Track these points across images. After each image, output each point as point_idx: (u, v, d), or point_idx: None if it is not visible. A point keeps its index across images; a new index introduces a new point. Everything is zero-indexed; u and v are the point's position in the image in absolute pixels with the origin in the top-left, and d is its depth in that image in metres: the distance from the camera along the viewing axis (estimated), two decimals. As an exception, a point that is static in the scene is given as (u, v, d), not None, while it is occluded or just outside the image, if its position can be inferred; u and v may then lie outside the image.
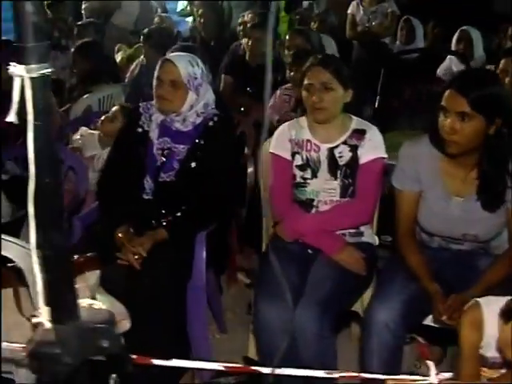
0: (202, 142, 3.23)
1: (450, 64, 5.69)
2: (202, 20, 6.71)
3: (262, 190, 3.41)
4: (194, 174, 3.21)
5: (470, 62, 5.48)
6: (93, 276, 2.28)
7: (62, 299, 1.12)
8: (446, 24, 6.64)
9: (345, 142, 3.18)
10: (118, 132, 3.44)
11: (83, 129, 4.33)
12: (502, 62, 4.41)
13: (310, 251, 3.11)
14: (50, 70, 1.02)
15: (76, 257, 2.24)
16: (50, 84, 1.04)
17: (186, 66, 3.19)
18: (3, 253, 2.04)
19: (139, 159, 3.26)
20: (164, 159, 3.24)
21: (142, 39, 5.71)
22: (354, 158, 3.16)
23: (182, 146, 3.24)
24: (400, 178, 2.93)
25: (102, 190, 3.34)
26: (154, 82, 3.22)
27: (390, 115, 4.99)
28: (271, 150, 3.24)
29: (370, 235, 3.25)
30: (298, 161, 3.20)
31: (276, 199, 3.21)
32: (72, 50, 5.80)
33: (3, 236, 2.05)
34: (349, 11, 6.96)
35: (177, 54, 3.39)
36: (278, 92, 4.73)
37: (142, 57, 5.79)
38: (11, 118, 1.03)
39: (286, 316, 2.69)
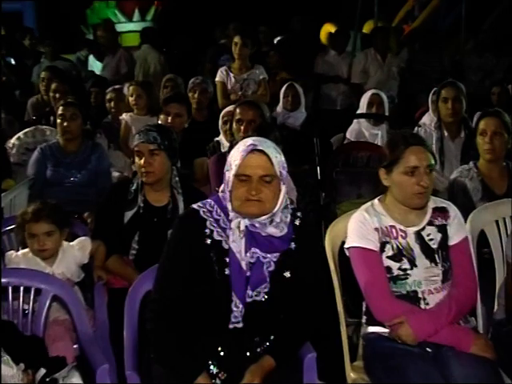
0: (294, 246, 2.70)
1: (360, 127, 5.64)
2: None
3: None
4: (287, 287, 2.68)
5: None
6: None
7: None
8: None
9: (430, 223, 2.93)
10: (169, 249, 2.75)
11: (8, 254, 3.43)
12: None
13: (429, 349, 2.79)
14: None
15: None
16: None
17: (275, 153, 2.65)
18: None
19: (216, 280, 2.64)
20: (250, 274, 2.65)
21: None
22: (445, 239, 2.93)
23: (272, 255, 2.66)
24: None
25: (169, 329, 2.64)
26: (231, 179, 2.63)
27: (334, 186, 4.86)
28: (355, 244, 2.89)
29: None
30: (389, 251, 2.88)
31: (377, 300, 2.86)
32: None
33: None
34: (217, 79, 6.66)
35: (258, 139, 2.70)
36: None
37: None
38: None
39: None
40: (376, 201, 2.98)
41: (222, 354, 2.62)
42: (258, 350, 2.63)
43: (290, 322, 2.67)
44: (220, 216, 2.70)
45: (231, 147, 4.55)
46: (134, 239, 3.64)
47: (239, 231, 2.63)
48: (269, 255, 2.65)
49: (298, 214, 2.74)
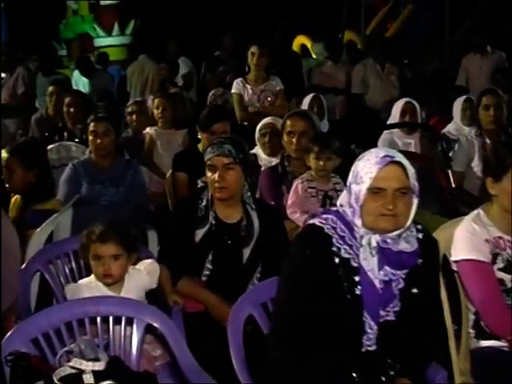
0: (421, 261, 2.53)
1: (392, 137, 5.49)
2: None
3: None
4: (415, 304, 2.52)
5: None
6: None
7: None
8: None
9: None
10: (293, 271, 2.53)
11: (70, 287, 3.12)
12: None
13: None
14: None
15: None
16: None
17: (409, 164, 2.48)
18: None
19: (346, 301, 2.45)
20: (381, 292, 2.47)
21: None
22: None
23: (401, 271, 2.50)
24: None
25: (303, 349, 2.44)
26: (363, 193, 2.44)
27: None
28: (466, 257, 2.78)
29: None
30: (500, 263, 2.79)
31: (497, 315, 2.75)
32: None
33: None
34: (233, 91, 6.42)
35: (389, 150, 2.55)
36: (300, 185, 4.09)
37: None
38: None
39: None
40: (481, 211, 2.87)
41: (356, 379, 2.43)
42: (392, 372, 2.47)
43: (420, 341, 2.52)
44: (344, 232, 2.52)
45: (284, 160, 4.40)
46: (207, 259, 3.40)
47: (370, 248, 2.46)
48: (398, 272, 2.49)
49: (419, 227, 2.59)
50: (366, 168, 2.44)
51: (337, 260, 2.47)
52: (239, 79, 6.43)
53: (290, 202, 4.08)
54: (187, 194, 4.58)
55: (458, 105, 5.86)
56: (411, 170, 2.45)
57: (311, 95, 5.98)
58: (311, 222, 2.57)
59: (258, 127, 5.00)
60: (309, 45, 11.96)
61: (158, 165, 5.66)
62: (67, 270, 3.52)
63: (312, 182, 4.09)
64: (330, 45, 9.03)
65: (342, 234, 2.50)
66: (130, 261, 3.13)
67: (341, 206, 2.56)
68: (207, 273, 3.41)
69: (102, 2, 12.89)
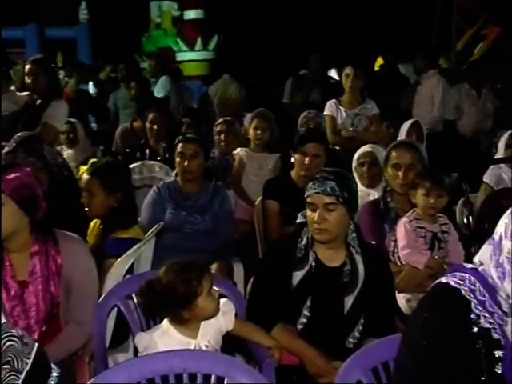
0: None
1: (500, 171, 5.05)
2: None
3: None
4: None
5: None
6: None
7: None
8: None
9: None
10: (423, 340, 2.11)
11: (140, 337, 2.73)
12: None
13: None
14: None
15: None
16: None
17: None
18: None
19: (482, 381, 2.03)
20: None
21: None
22: None
23: None
24: None
25: None
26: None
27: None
28: None
29: None
30: None
31: None
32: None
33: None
34: (325, 113, 6.08)
35: None
36: (408, 224, 3.66)
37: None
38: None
39: None
40: None
41: None
42: None
43: None
44: (485, 297, 2.08)
45: (386, 194, 3.96)
46: (305, 305, 3.02)
47: None
48: None
49: None
50: None
51: (475, 329, 2.05)
52: (333, 101, 6.12)
53: (402, 243, 3.65)
54: (277, 225, 4.27)
55: None
56: None
57: (410, 121, 5.54)
58: (443, 281, 2.15)
59: (356, 156, 4.60)
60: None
61: (245, 189, 5.32)
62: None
63: (420, 222, 3.66)
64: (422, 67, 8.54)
65: (481, 298, 2.08)
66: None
67: (480, 263, 2.14)
68: (304, 320, 3.04)
69: (185, 16, 12.74)
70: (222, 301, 2.86)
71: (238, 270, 4.06)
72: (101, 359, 3.04)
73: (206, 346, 2.75)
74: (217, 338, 2.82)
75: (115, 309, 3.20)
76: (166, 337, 2.72)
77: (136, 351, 3.32)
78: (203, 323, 2.76)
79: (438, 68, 8.79)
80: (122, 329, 3.28)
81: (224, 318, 2.83)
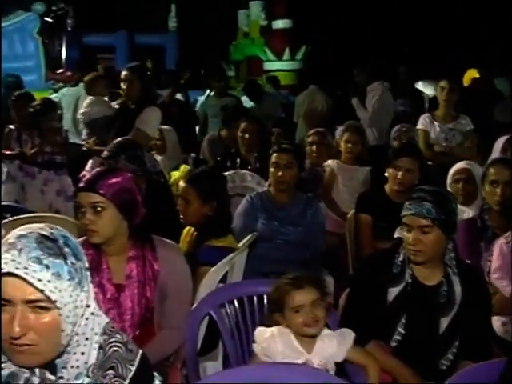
0: None
1: None
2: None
3: None
4: None
5: None
6: None
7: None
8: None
9: None
10: None
11: (260, 332, 2.78)
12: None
13: None
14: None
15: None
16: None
17: None
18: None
19: None
20: None
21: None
22: None
23: None
24: None
25: None
26: None
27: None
28: None
29: None
30: None
31: None
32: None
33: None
34: (419, 126, 6.00)
35: None
36: (504, 246, 3.55)
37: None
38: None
39: None
40: None
41: None
42: None
43: None
44: None
45: (483, 212, 3.87)
46: (400, 322, 2.97)
47: None
48: None
49: None
50: None
51: None
52: (426, 115, 6.04)
53: (495, 265, 3.54)
54: (370, 239, 4.25)
55: None
56: None
57: (505, 137, 5.39)
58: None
59: (451, 172, 4.51)
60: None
61: (335, 201, 5.30)
62: (240, 316, 3.21)
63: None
64: None
65: None
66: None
67: None
68: (398, 338, 2.99)
69: (274, 26, 12.79)
70: (343, 330, 2.85)
71: (329, 283, 4.02)
72: (193, 366, 3.06)
73: (318, 364, 2.73)
74: (330, 363, 2.78)
75: (207, 317, 3.22)
76: (284, 337, 2.73)
77: (224, 360, 3.36)
78: (320, 342, 2.76)
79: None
80: (211, 337, 3.30)
81: (338, 348, 2.79)
